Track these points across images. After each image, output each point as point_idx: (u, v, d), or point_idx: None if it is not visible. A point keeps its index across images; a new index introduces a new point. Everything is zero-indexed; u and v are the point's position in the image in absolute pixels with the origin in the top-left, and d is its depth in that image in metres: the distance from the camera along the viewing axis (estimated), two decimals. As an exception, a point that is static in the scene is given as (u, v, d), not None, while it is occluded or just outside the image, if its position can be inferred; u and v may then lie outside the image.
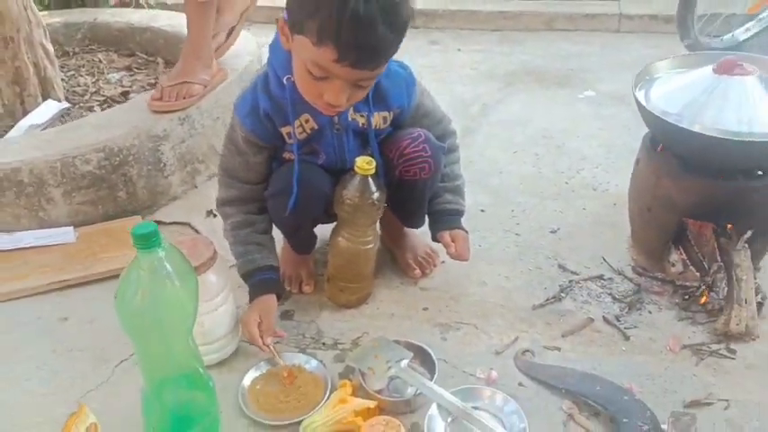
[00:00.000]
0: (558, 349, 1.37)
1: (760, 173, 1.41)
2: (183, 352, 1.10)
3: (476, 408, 1.20)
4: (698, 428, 1.13)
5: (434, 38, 3.10)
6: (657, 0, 3.06)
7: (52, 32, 2.17)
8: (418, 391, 1.22)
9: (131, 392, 1.24)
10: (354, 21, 1.07)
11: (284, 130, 1.34)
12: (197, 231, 1.75)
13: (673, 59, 1.58)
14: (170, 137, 1.83)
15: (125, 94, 2.14)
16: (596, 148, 2.11)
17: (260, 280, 1.39)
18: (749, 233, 1.40)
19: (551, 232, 1.72)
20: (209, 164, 1.96)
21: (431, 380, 1.25)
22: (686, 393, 1.25)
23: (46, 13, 2.49)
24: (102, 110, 2.05)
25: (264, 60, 1.40)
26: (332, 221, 1.45)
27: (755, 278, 1.41)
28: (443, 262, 1.59)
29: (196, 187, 1.94)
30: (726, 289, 1.39)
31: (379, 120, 1.37)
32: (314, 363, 1.32)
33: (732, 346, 1.35)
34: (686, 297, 1.45)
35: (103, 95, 2.14)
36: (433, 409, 1.20)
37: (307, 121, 1.32)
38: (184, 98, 1.86)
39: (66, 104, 2.05)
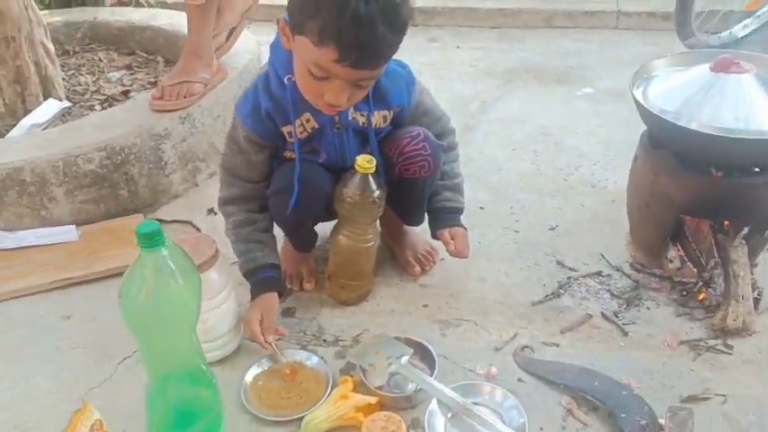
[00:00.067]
0: (557, 345, 1.37)
1: (757, 170, 1.42)
2: (187, 349, 1.11)
3: (475, 403, 1.21)
4: (695, 423, 1.14)
5: (433, 35, 3.09)
6: (656, -3, 3.07)
7: (53, 31, 2.18)
8: (418, 387, 1.24)
9: (135, 389, 1.25)
10: (355, 21, 1.08)
11: (285, 130, 1.34)
12: (198, 229, 1.76)
13: (670, 57, 1.59)
14: (171, 135, 1.84)
15: (125, 93, 2.15)
16: (595, 144, 2.12)
17: (261, 278, 1.40)
18: (746, 230, 1.41)
19: (550, 229, 1.73)
20: (210, 162, 1.97)
21: (431, 376, 1.26)
22: (684, 388, 1.26)
23: (46, 12, 2.49)
24: (103, 109, 2.05)
25: (264, 59, 1.41)
26: (332, 219, 1.46)
27: (752, 274, 1.42)
28: (443, 259, 1.59)
29: (197, 185, 1.95)
30: (723, 285, 1.40)
31: (379, 119, 1.37)
32: (315, 359, 1.33)
33: (729, 341, 1.36)
34: (684, 293, 1.46)
35: (104, 94, 2.15)
36: (434, 405, 1.21)
37: (307, 121, 1.33)
38: (185, 97, 1.87)
39: (67, 103, 2.06)
